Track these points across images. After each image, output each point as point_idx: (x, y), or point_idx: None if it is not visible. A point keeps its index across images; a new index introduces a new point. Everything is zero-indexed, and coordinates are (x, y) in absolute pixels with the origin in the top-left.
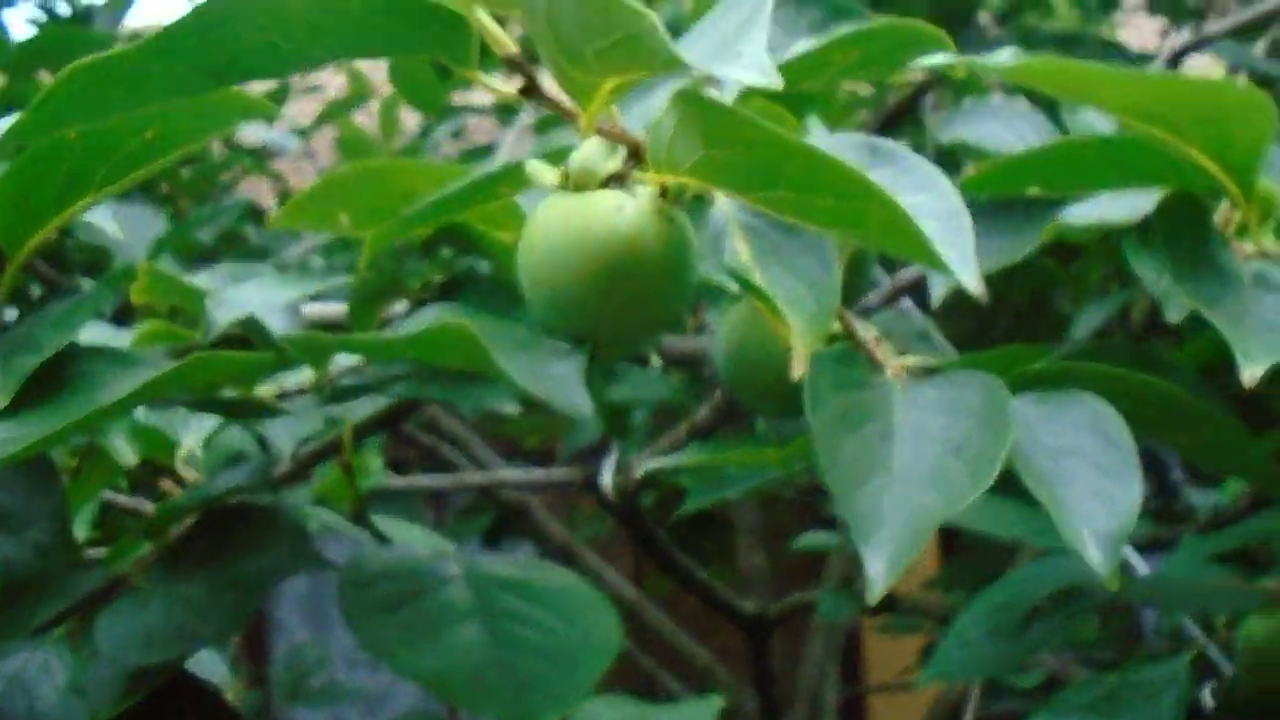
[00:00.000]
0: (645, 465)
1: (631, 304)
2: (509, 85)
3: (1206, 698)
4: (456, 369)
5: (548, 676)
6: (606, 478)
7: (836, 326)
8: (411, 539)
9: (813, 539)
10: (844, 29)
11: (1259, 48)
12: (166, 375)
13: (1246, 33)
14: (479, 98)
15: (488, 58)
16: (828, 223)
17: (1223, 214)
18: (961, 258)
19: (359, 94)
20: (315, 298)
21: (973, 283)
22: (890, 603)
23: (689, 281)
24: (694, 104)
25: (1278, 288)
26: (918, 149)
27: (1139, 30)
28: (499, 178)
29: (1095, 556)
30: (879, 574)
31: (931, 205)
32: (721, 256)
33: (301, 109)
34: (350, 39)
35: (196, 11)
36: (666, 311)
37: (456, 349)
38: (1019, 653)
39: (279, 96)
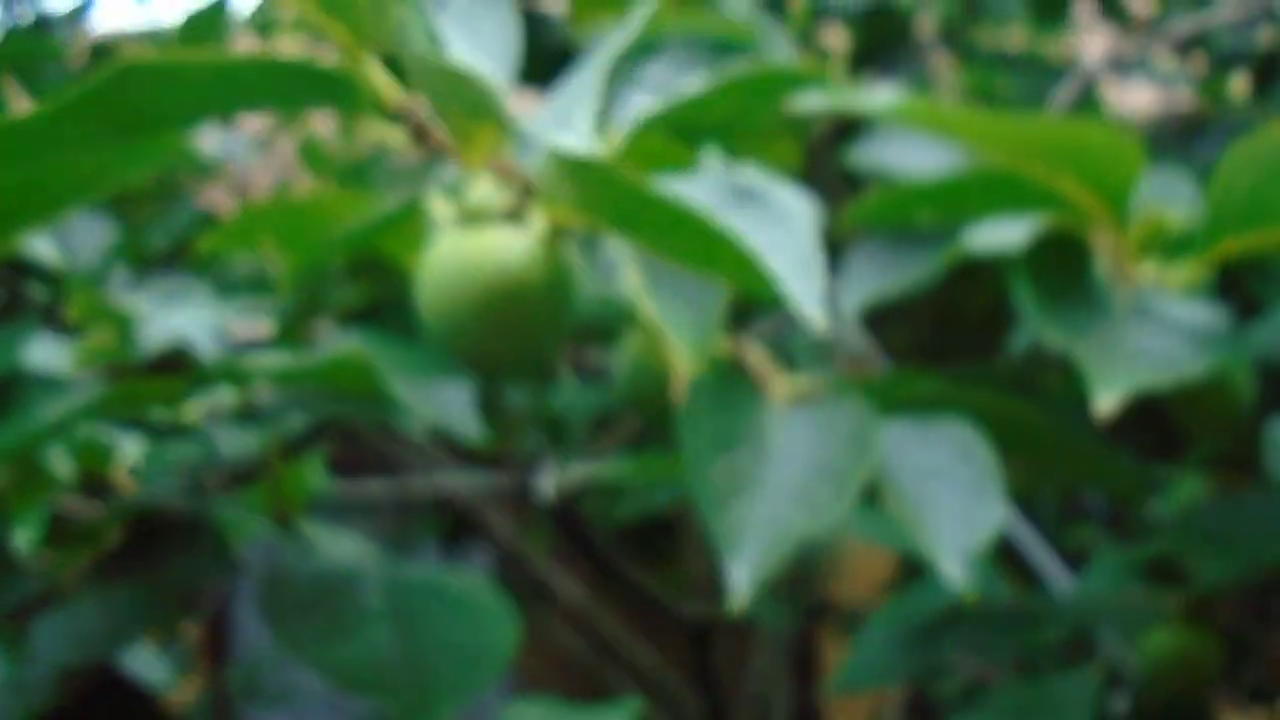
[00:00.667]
0: (574, 472)
1: (516, 335)
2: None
3: (1119, 707)
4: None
5: (449, 673)
6: (543, 483)
7: (727, 348)
8: (338, 547)
9: None
10: (730, 72)
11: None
12: (95, 402)
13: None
14: None
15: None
16: (685, 260)
17: (1111, 245)
18: (806, 292)
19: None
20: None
21: (815, 316)
22: (834, 610)
23: (571, 314)
24: (563, 158)
25: (1156, 317)
26: None
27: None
28: (402, 213)
29: (952, 571)
30: (741, 584)
31: (785, 242)
32: (614, 285)
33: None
34: (243, 98)
35: (102, 80)
36: (549, 342)
37: (357, 375)
38: (930, 659)
39: None
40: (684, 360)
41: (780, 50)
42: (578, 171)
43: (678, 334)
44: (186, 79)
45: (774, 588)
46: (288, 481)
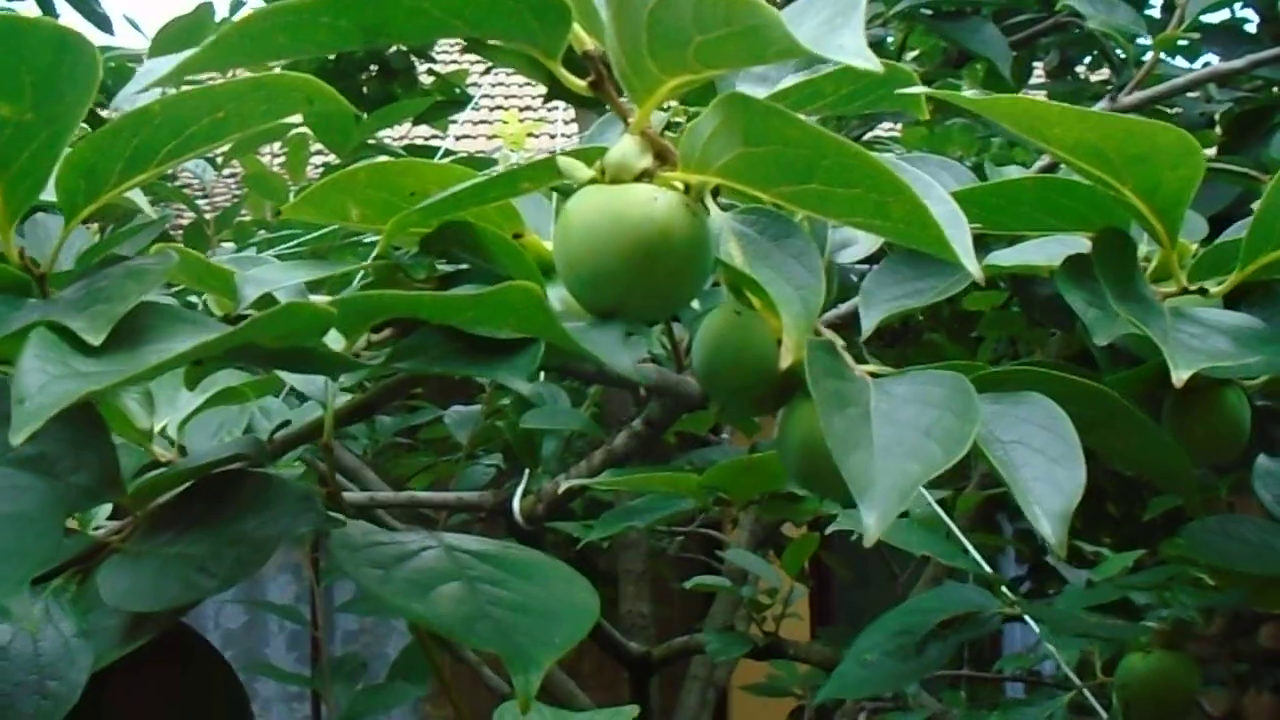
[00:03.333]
0: (567, 482)
1: (660, 282)
2: (581, 81)
3: None
4: (494, 338)
5: (531, 628)
6: (517, 502)
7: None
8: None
9: (703, 580)
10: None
11: None
12: (253, 324)
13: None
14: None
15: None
16: (851, 213)
17: (1161, 253)
18: (965, 250)
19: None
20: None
21: (975, 270)
22: (778, 649)
23: (707, 266)
24: (740, 105)
25: (1192, 320)
26: None
27: None
28: (528, 172)
29: (1047, 529)
30: (873, 524)
31: (943, 208)
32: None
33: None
34: (480, 18)
35: None
36: (689, 289)
37: (516, 310)
38: (914, 672)
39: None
40: (791, 331)
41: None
42: (757, 117)
43: (784, 306)
44: None
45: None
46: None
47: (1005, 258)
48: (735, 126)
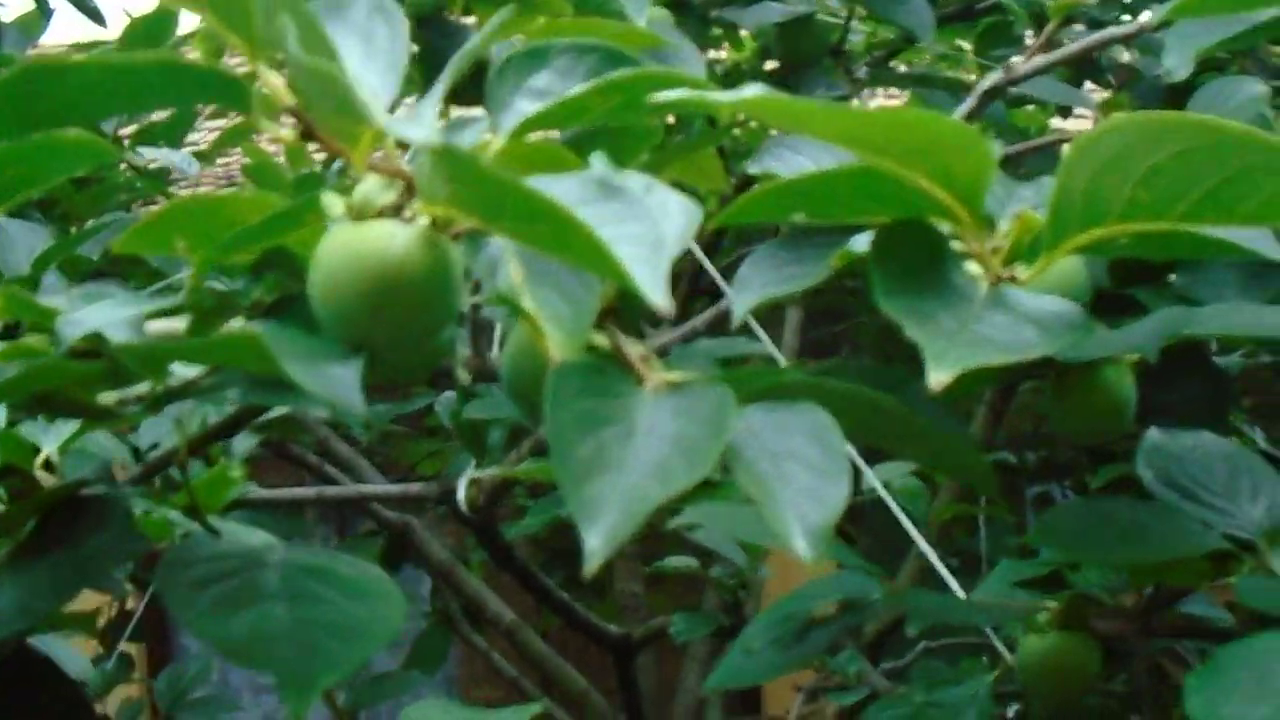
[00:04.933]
0: (476, 473)
1: (402, 318)
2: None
3: (1010, 716)
4: (270, 377)
5: (331, 648)
6: (462, 491)
7: (605, 343)
8: (247, 537)
9: (677, 561)
10: (606, 77)
11: None
12: (12, 381)
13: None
14: None
15: None
16: (545, 248)
17: (984, 242)
18: (652, 279)
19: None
20: (161, 315)
21: (660, 301)
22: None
23: (453, 299)
24: (438, 151)
25: (1009, 309)
26: None
27: None
28: (298, 210)
29: (801, 545)
30: (595, 549)
31: (640, 234)
32: (497, 280)
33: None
34: (144, 96)
35: (17, 76)
36: (434, 324)
37: (250, 354)
38: (796, 660)
39: (183, 123)
40: (559, 350)
41: (691, 62)
42: (446, 164)
43: (553, 325)
44: (88, 78)
45: (699, 607)
46: (204, 480)
47: (859, 243)
48: (440, 170)
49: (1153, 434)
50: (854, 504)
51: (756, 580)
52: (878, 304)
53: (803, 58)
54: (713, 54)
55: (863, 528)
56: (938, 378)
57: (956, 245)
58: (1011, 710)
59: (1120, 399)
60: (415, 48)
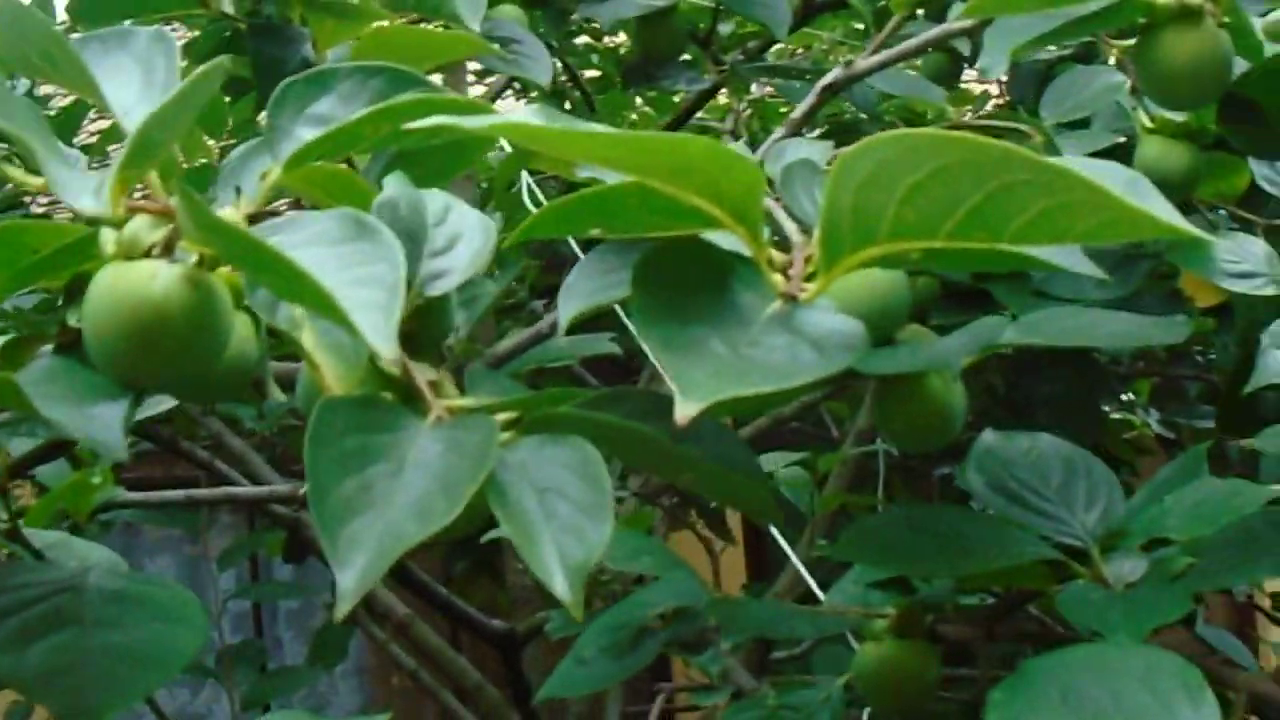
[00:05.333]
0: None
1: (167, 358)
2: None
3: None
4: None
5: (126, 675)
6: None
7: (397, 370)
8: (71, 558)
9: None
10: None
11: None
12: None
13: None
14: None
15: None
16: (281, 294)
17: (765, 259)
18: (378, 326)
19: None
20: None
21: (385, 350)
22: None
23: (220, 337)
24: (185, 198)
25: (795, 329)
26: None
27: None
28: (81, 244)
29: (561, 585)
30: (348, 590)
31: (381, 275)
32: (278, 316)
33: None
34: None
35: None
36: (202, 362)
37: (8, 395)
38: (626, 669)
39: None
40: (336, 380)
41: (538, 62)
42: (186, 212)
43: (330, 354)
44: None
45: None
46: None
47: None
48: (185, 217)
49: (986, 437)
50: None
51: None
52: (635, 331)
53: (662, 51)
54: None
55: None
56: (684, 411)
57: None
58: (865, 713)
59: (944, 407)
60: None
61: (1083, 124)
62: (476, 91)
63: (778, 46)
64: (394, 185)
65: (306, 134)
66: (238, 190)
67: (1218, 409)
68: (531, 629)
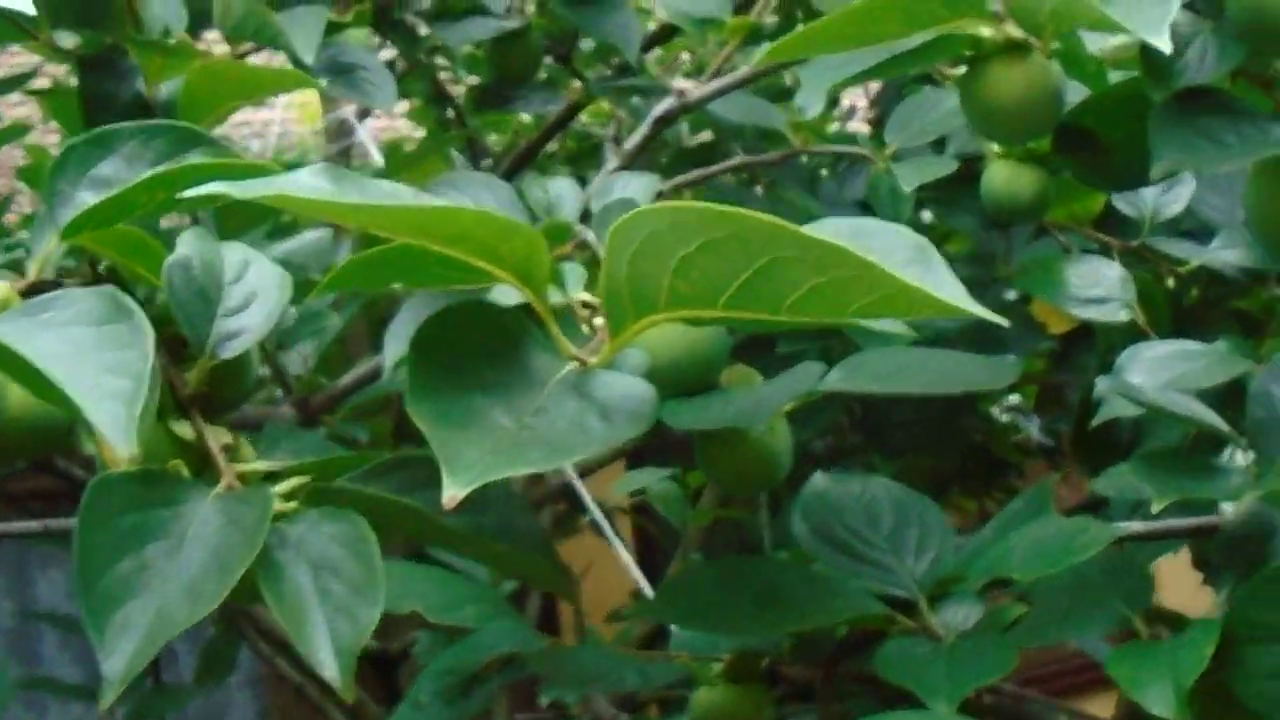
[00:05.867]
0: None
1: None
2: None
3: None
4: None
5: None
6: None
7: (190, 434)
8: None
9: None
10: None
11: None
12: None
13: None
14: None
15: None
16: (20, 383)
17: (553, 323)
18: (116, 419)
19: (16, 128)
20: None
21: (120, 446)
22: None
23: None
24: None
25: (586, 395)
26: None
27: None
28: None
29: (329, 667)
30: (113, 677)
31: (128, 363)
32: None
33: None
34: None
35: None
36: None
37: None
38: (462, 714)
39: None
40: (117, 450)
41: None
42: None
43: (105, 424)
44: None
45: None
46: None
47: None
48: None
49: (815, 481)
50: None
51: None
52: (407, 406)
53: (516, 73)
54: None
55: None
56: (450, 493)
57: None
58: None
59: (766, 452)
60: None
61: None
62: None
63: (657, 53)
64: (189, 242)
65: (89, 198)
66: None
67: (1071, 435)
68: (405, 648)
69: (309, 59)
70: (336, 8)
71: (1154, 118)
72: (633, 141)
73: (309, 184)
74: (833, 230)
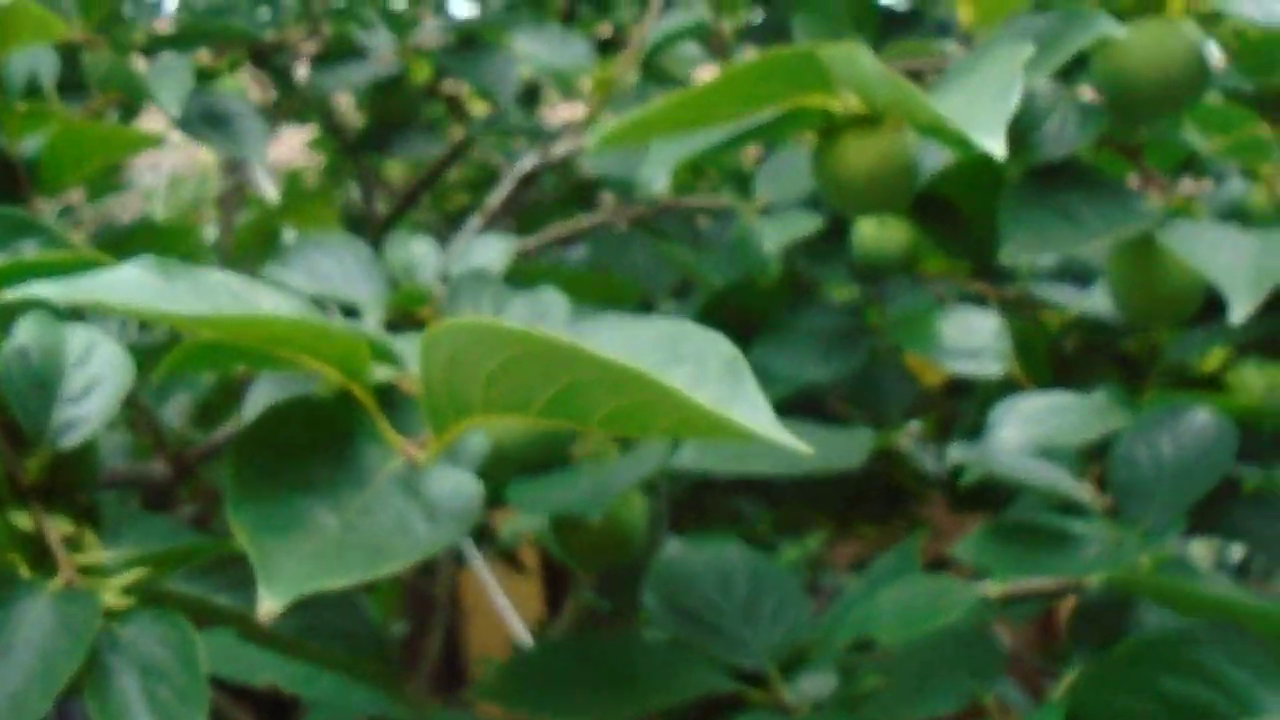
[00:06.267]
0: None
1: None
2: None
3: None
4: None
5: None
6: None
7: (30, 525)
8: None
9: None
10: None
11: None
12: None
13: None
14: None
15: None
16: None
17: (380, 420)
18: None
19: None
20: None
21: None
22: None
23: None
24: None
25: (416, 493)
26: None
27: None
28: None
29: None
30: None
31: None
32: None
33: None
34: None
35: None
36: None
37: None
38: None
39: None
40: None
41: (256, 144)
42: None
43: None
44: None
45: None
46: None
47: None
48: None
49: (670, 548)
50: None
51: (391, 638)
52: (228, 514)
53: (394, 117)
54: None
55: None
56: (267, 607)
57: None
58: None
59: (620, 527)
60: None
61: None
62: None
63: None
64: (28, 329)
65: None
66: None
67: (947, 484)
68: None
69: (175, 112)
70: (211, 53)
71: (1006, 195)
72: (496, 199)
73: (134, 284)
74: (650, 336)
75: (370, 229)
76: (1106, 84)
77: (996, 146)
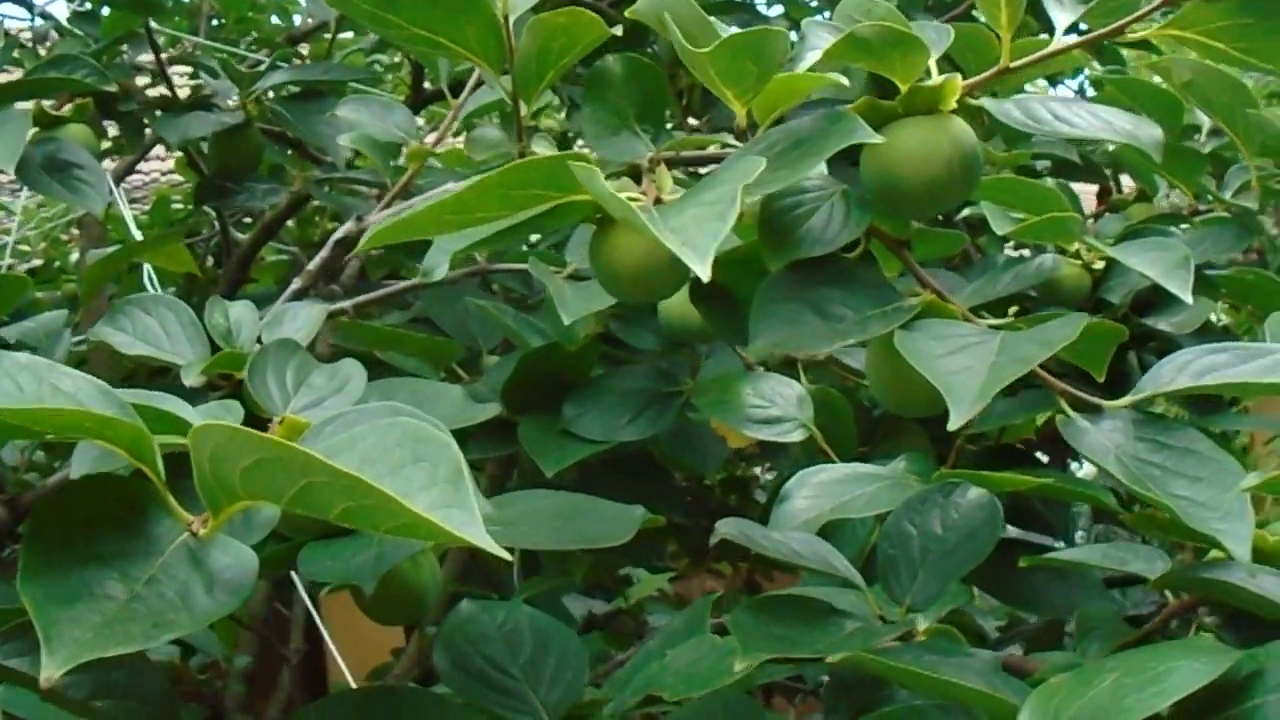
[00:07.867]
0: None
1: None
2: None
3: None
4: None
5: None
6: None
7: None
8: None
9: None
10: None
11: None
12: None
13: None
14: None
15: None
16: None
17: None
18: None
19: None
20: None
21: None
22: None
23: None
24: None
25: (199, 565)
26: None
27: None
28: None
29: None
30: None
31: None
32: None
33: None
34: None
35: None
36: None
37: None
38: None
39: None
40: None
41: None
42: None
43: None
44: None
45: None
46: None
47: None
48: None
49: (463, 608)
50: None
51: (235, 670)
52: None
53: (236, 167)
54: None
55: None
56: (48, 673)
57: None
58: None
59: (411, 588)
60: None
61: None
62: None
63: None
64: None
65: None
66: None
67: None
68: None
69: (9, 168)
70: (56, 101)
71: (761, 291)
72: (314, 263)
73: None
74: (397, 436)
75: (226, 261)
76: (871, 183)
77: (702, 271)
